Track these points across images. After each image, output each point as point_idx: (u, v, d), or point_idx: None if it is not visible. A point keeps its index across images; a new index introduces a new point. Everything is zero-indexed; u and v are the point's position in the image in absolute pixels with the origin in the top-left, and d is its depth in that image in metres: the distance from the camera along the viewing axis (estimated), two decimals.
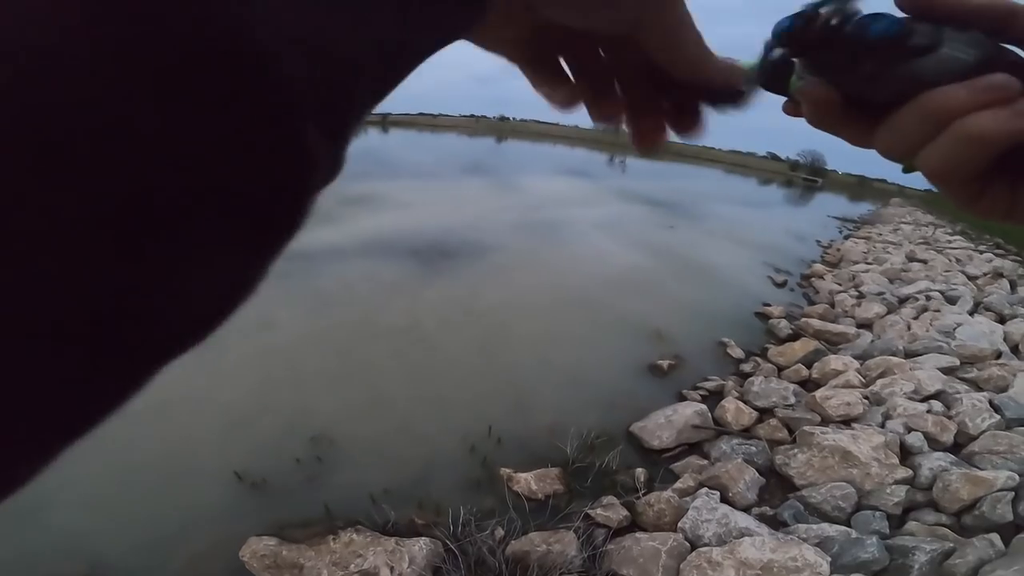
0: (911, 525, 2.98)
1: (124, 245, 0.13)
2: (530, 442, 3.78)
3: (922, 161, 0.26)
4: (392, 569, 2.53)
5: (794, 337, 6.14)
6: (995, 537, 2.63)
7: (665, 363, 5.19)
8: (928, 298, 7.53)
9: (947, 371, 4.77)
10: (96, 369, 0.15)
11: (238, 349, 4.73)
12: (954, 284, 8.55)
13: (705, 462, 3.70)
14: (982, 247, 14.00)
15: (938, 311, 6.91)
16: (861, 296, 8.03)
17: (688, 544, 2.74)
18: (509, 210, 13.00)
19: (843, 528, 2.84)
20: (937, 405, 4.12)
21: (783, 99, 0.32)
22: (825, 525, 2.88)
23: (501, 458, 3.56)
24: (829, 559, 2.48)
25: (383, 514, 2.92)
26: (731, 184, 39.44)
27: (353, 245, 8.37)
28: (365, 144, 36.71)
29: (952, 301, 7.45)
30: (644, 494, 3.21)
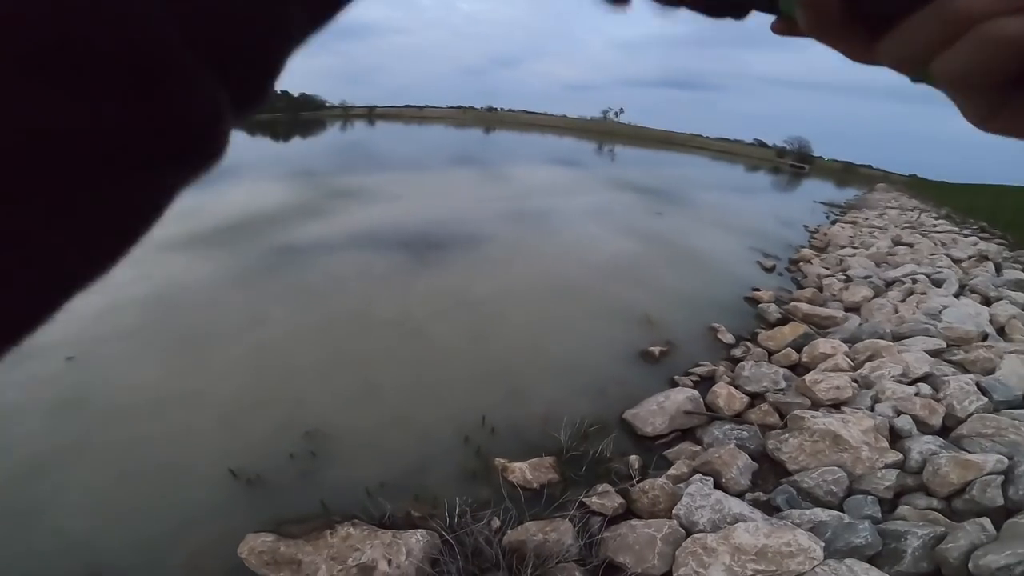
0: (903, 509, 3.00)
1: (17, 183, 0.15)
2: (524, 431, 3.79)
3: (940, 66, 0.24)
4: (390, 562, 2.53)
5: (783, 321, 6.19)
6: (986, 521, 2.64)
7: (656, 349, 5.22)
8: (914, 281, 7.62)
9: (934, 353, 4.83)
10: None
11: (231, 345, 4.72)
12: (940, 267, 8.65)
13: (698, 448, 3.73)
14: (967, 231, 14.17)
15: (924, 294, 6.99)
16: (848, 280, 8.11)
17: (683, 531, 2.76)
18: (498, 200, 12.97)
19: (836, 513, 2.86)
20: (925, 388, 4.17)
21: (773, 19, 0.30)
22: (818, 510, 2.90)
23: (495, 448, 3.57)
24: (823, 544, 2.50)
25: (379, 507, 2.92)
26: (719, 171, 39.55)
27: (343, 238, 8.32)
28: (352, 137, 36.44)
29: (938, 284, 7.54)
30: (638, 481, 3.22)
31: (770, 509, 3.03)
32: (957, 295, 7.02)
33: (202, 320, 5.16)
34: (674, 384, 4.60)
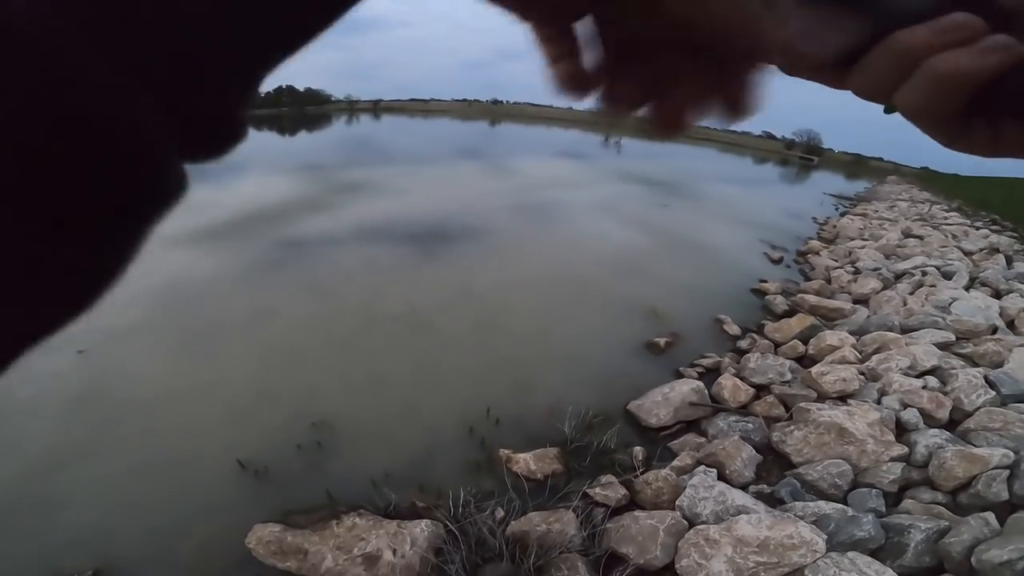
0: (907, 503, 2.99)
1: None
2: (528, 423, 3.80)
3: (899, 102, 0.26)
4: (395, 552, 2.55)
5: (790, 313, 6.16)
6: (990, 516, 2.63)
7: (662, 341, 5.21)
8: (924, 273, 7.56)
9: (943, 346, 4.80)
10: None
11: (238, 339, 4.76)
12: (950, 259, 8.57)
13: (703, 440, 3.73)
14: (978, 223, 14.02)
15: (934, 286, 6.93)
16: (857, 272, 8.06)
17: (686, 522, 2.77)
18: (504, 193, 12.95)
19: (839, 506, 2.86)
20: (933, 381, 4.14)
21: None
22: (822, 503, 2.90)
23: (500, 439, 3.58)
24: (825, 537, 2.50)
25: (384, 498, 2.95)
26: (726, 163, 39.27)
27: (349, 232, 8.35)
28: (357, 131, 36.47)
29: (948, 276, 7.47)
30: (642, 472, 3.23)
31: (774, 501, 3.03)
32: (967, 288, 6.96)
33: (210, 314, 5.20)
34: (679, 376, 4.59)
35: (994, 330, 5.26)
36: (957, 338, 5.03)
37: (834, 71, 0.28)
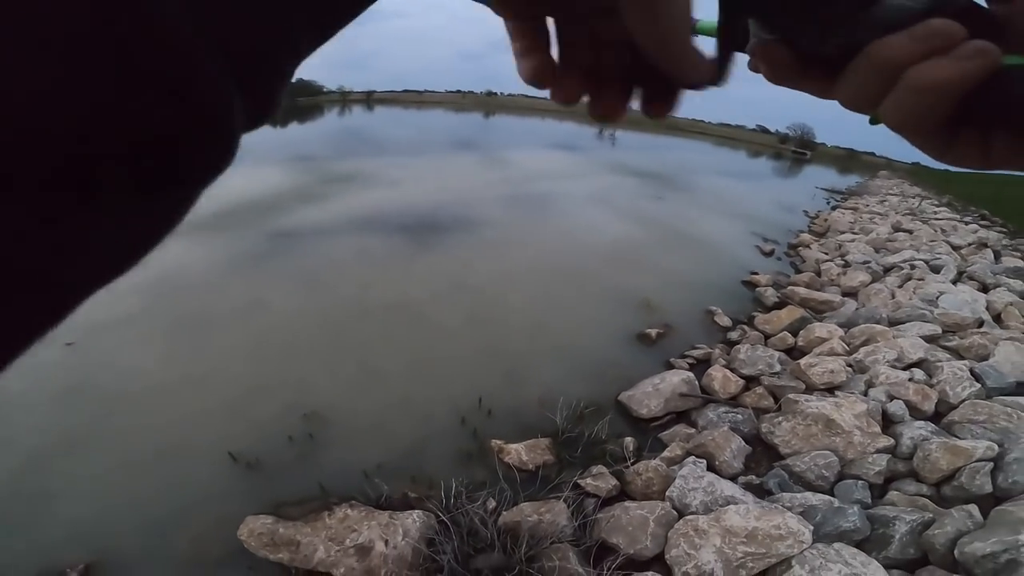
0: (892, 495, 3.03)
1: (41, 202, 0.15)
2: (520, 413, 3.82)
3: (883, 115, 0.26)
4: (387, 542, 2.57)
5: (780, 305, 6.21)
6: (973, 508, 2.67)
7: (653, 332, 5.25)
8: (912, 267, 7.63)
9: (929, 339, 4.85)
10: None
11: (230, 330, 4.74)
12: (938, 254, 8.64)
13: (692, 430, 3.76)
14: (967, 218, 14.13)
15: (922, 280, 6.99)
16: (847, 265, 8.12)
17: (676, 512, 2.80)
18: (498, 185, 12.93)
19: (826, 497, 2.90)
20: (919, 373, 4.19)
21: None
22: (809, 494, 2.94)
23: (492, 430, 3.60)
24: (812, 528, 2.54)
25: (376, 489, 2.96)
26: (720, 156, 39.32)
27: (342, 223, 8.32)
28: (350, 123, 36.20)
29: (936, 270, 7.54)
30: (633, 463, 3.26)
31: (762, 492, 3.07)
32: (955, 282, 7.03)
33: (201, 305, 5.18)
34: (670, 367, 4.62)
35: (980, 323, 5.32)
36: (944, 331, 5.09)
37: (819, 82, 0.28)
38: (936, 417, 3.74)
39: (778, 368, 4.50)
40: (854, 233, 11.14)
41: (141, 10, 0.15)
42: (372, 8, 0.28)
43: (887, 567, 2.41)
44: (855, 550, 2.45)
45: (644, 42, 0.29)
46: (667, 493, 2.92)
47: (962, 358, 4.51)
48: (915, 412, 3.73)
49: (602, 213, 10.92)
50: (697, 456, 3.29)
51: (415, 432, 3.57)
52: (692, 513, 2.75)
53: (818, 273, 7.97)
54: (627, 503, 2.90)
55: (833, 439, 3.41)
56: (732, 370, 4.46)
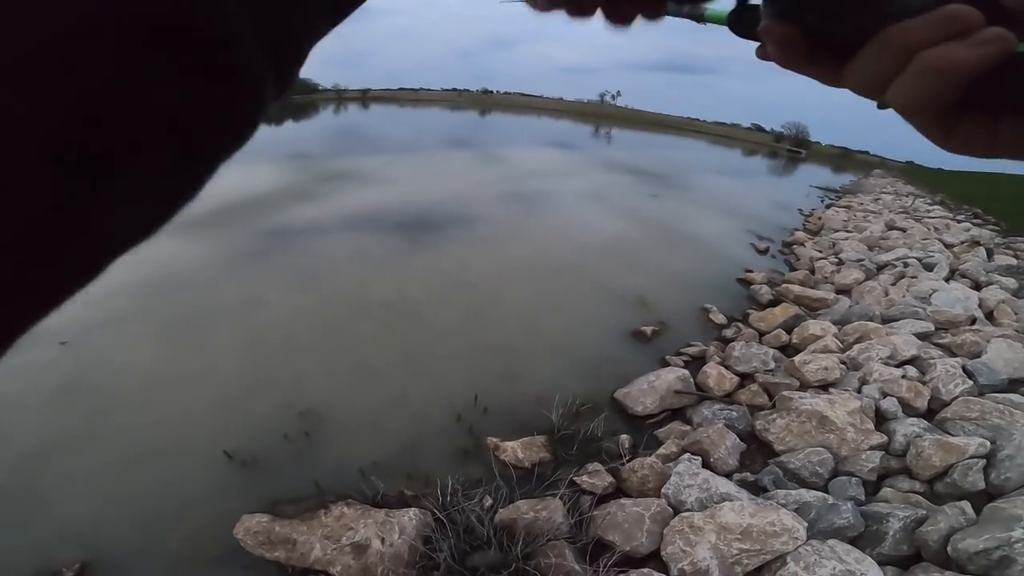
0: (886, 492, 3.05)
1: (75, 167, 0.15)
2: (516, 410, 3.83)
3: (891, 97, 0.26)
4: (383, 540, 2.57)
5: (775, 303, 6.24)
6: (966, 505, 2.68)
7: (649, 329, 5.26)
8: (906, 265, 7.67)
9: (922, 336, 4.88)
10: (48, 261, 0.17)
11: (225, 328, 4.73)
12: (931, 251, 8.69)
13: (688, 427, 3.78)
14: (960, 216, 14.24)
15: (915, 278, 7.04)
16: (841, 263, 8.17)
17: (671, 509, 2.81)
18: (494, 182, 12.91)
19: (820, 494, 2.91)
20: (912, 370, 4.22)
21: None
22: (803, 491, 2.95)
23: (488, 427, 3.61)
24: (806, 524, 2.56)
25: (372, 486, 2.96)
26: (715, 155, 39.38)
27: (337, 221, 8.30)
28: (346, 121, 36.09)
29: (929, 268, 7.59)
30: (628, 460, 3.27)
31: (757, 489, 3.08)
32: (947, 279, 7.08)
33: (196, 303, 5.16)
34: (665, 364, 4.64)
35: (973, 321, 5.36)
36: (936, 328, 5.13)
37: (828, 67, 0.28)
38: (929, 414, 3.76)
39: (772, 365, 4.52)
40: (848, 231, 11.20)
41: None
42: (366, 6, 0.29)
43: (881, 564, 2.43)
44: (849, 547, 2.46)
45: None
46: (663, 490, 2.93)
47: (955, 355, 4.54)
48: (908, 409, 3.75)
49: (597, 211, 10.93)
50: (692, 453, 3.30)
51: (411, 430, 3.57)
52: (688, 510, 2.76)
53: (812, 271, 8.01)
54: (623, 500, 2.91)
55: (827, 436, 3.43)
56: (727, 367, 4.47)
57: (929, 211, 15.18)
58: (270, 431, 3.45)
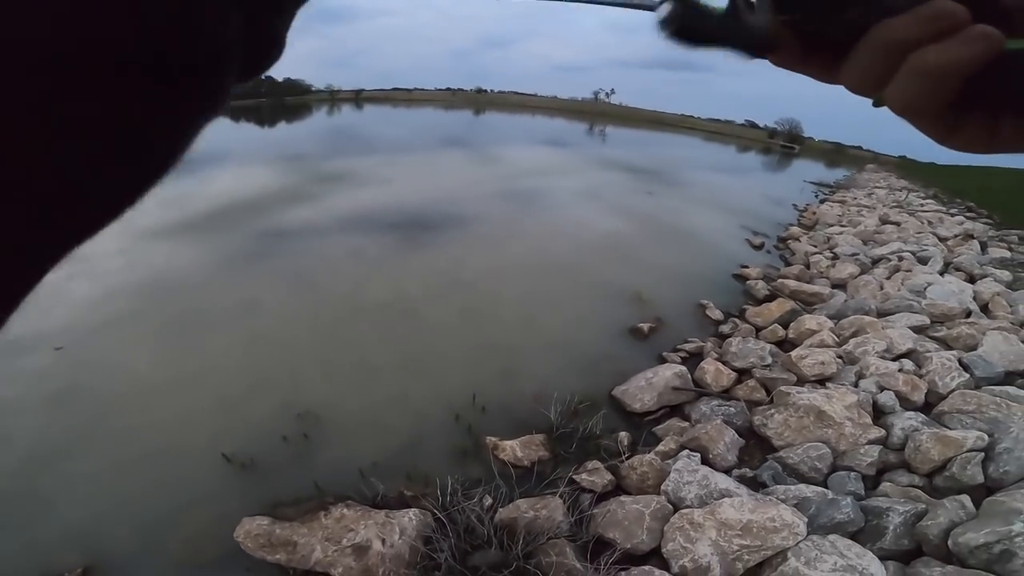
0: (885, 486, 3.05)
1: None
2: (514, 409, 3.83)
3: (888, 99, 0.26)
4: (384, 541, 2.57)
5: (771, 298, 6.26)
6: (965, 499, 2.69)
7: (645, 326, 5.26)
8: (900, 259, 7.70)
9: (918, 330, 4.90)
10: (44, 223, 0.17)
11: (222, 331, 4.71)
12: (925, 245, 8.73)
13: (686, 424, 3.78)
14: (954, 210, 14.30)
15: (910, 271, 7.06)
16: (836, 257, 8.19)
17: (671, 506, 2.81)
18: (489, 181, 12.90)
19: (820, 489, 2.92)
20: (908, 364, 4.23)
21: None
22: (802, 486, 2.96)
23: (486, 426, 3.61)
24: (806, 520, 2.56)
25: (372, 487, 2.96)
26: (710, 151, 39.44)
27: (333, 222, 8.28)
28: (339, 121, 35.98)
29: (923, 261, 7.62)
30: (627, 457, 3.27)
31: (756, 485, 3.08)
32: (942, 272, 7.11)
33: (192, 306, 5.14)
34: (663, 360, 4.64)
35: (968, 314, 5.38)
36: (932, 322, 5.14)
37: (824, 65, 0.28)
38: (926, 408, 3.78)
39: (769, 360, 4.53)
40: (842, 226, 11.23)
41: None
42: (359, 6, 0.28)
43: (882, 558, 2.43)
44: (850, 541, 2.47)
45: None
46: (662, 487, 2.93)
47: (950, 348, 4.56)
48: (905, 403, 3.76)
49: (593, 208, 10.94)
50: (691, 450, 3.30)
51: (410, 430, 3.56)
52: (687, 507, 2.76)
53: (807, 265, 8.04)
54: (622, 497, 2.91)
55: (825, 431, 3.43)
56: (724, 363, 4.48)
57: (922, 205, 15.24)
58: (269, 433, 3.44)
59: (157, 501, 2.91)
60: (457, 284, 6.10)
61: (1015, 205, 13.82)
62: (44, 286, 0.19)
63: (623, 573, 2.46)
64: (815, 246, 9.28)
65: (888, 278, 6.90)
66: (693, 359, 4.73)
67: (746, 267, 7.65)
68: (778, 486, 2.99)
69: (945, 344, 4.70)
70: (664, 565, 2.52)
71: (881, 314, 5.40)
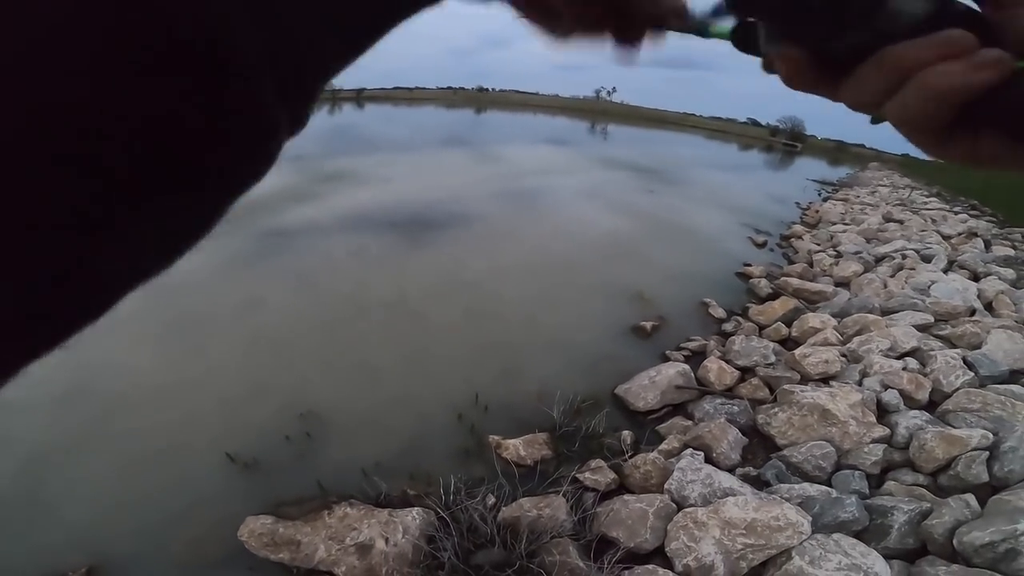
0: (889, 485, 3.04)
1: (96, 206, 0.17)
2: (517, 408, 3.82)
3: (888, 114, 0.27)
4: (387, 540, 2.57)
5: (774, 296, 6.24)
6: (970, 497, 2.68)
7: (648, 324, 5.26)
8: (904, 257, 7.67)
9: (922, 328, 4.88)
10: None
11: (224, 330, 4.71)
12: (929, 243, 8.70)
13: (689, 423, 3.77)
14: (957, 208, 14.25)
15: (913, 269, 7.05)
16: (839, 255, 8.17)
17: (674, 505, 2.81)
18: (491, 180, 12.89)
19: (824, 488, 2.90)
20: (912, 362, 4.22)
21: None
22: (806, 485, 2.95)
23: (489, 425, 3.60)
24: (810, 518, 2.55)
25: (375, 487, 2.96)
26: (712, 149, 39.39)
27: (335, 221, 8.27)
28: (340, 120, 36.00)
29: (927, 260, 7.60)
30: (630, 456, 3.27)
31: (760, 484, 3.08)
32: (946, 271, 7.09)
33: (195, 306, 5.13)
34: (666, 359, 4.64)
35: (972, 312, 5.36)
36: (936, 320, 5.12)
37: (828, 84, 0.29)
38: (930, 406, 3.76)
39: (773, 359, 4.52)
40: (845, 224, 11.21)
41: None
42: None
43: (887, 557, 2.42)
44: (854, 540, 2.46)
45: None
46: (665, 486, 2.93)
47: (955, 347, 4.54)
48: (909, 401, 3.75)
49: (594, 207, 10.93)
50: (695, 448, 3.29)
51: (412, 429, 3.56)
52: (691, 505, 2.76)
53: (810, 264, 8.01)
54: (626, 496, 2.91)
55: (829, 429, 3.42)
56: (727, 361, 4.47)
57: (926, 203, 15.19)
58: (272, 433, 3.44)
59: (161, 501, 2.91)
60: (459, 283, 6.10)
61: (1019, 203, 13.74)
62: None
63: (627, 572, 2.46)
64: (818, 244, 9.26)
65: (892, 276, 6.88)
66: (696, 357, 4.72)
67: (749, 265, 7.63)
68: (782, 485, 2.99)
69: (949, 342, 4.68)
70: (668, 564, 2.52)
71: (885, 312, 5.38)
